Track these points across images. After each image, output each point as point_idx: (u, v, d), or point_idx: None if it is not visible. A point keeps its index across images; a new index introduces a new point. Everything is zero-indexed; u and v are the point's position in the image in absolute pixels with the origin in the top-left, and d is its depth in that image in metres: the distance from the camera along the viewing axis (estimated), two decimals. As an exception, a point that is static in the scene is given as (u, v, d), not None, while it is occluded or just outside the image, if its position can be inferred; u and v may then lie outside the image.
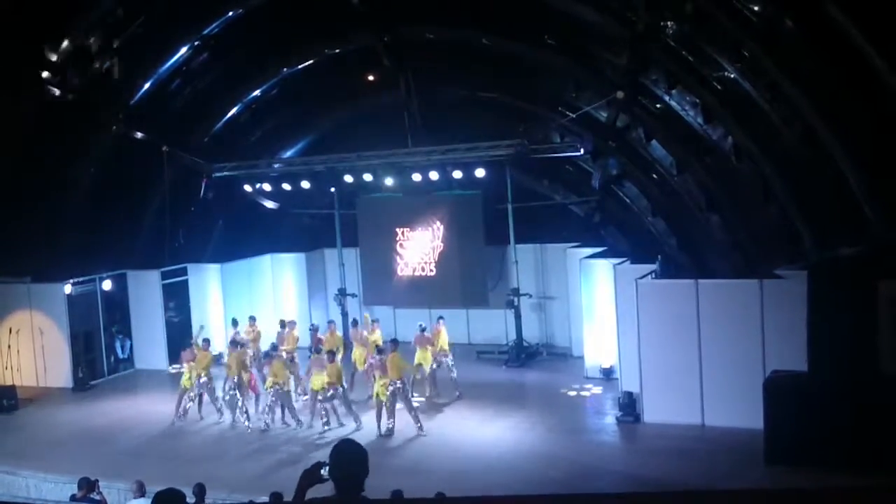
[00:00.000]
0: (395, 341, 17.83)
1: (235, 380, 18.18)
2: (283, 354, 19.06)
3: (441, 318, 20.14)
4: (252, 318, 21.35)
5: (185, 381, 18.66)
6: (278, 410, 17.88)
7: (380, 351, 17.91)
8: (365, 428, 17.25)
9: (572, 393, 19.53)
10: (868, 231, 14.34)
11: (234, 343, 19.11)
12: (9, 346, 22.05)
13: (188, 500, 9.52)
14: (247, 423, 17.88)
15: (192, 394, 18.59)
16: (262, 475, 15.14)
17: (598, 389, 19.50)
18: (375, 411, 17.35)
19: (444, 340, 19.51)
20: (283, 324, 21.20)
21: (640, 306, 16.76)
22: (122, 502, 13.86)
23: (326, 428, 17.21)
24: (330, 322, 21.91)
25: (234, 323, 21.22)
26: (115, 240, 23.47)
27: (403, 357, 17.60)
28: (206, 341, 19.45)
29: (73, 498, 12.93)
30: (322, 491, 4.92)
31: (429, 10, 20.15)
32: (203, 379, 18.48)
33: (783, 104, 15.13)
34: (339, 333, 21.26)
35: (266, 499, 11.73)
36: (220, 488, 13.95)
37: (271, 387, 17.66)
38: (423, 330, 19.79)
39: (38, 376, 22.26)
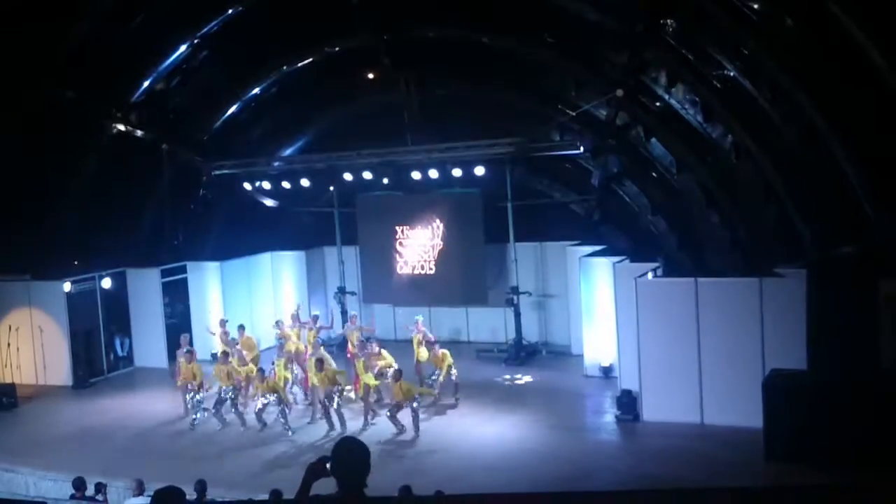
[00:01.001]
0: (399, 371, 17.42)
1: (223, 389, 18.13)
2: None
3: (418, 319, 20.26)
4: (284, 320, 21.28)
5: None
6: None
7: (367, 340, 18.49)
8: (365, 427, 17.30)
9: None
10: (868, 229, 14.36)
11: (226, 354, 18.71)
12: (8, 344, 22.04)
13: (189, 496, 9.56)
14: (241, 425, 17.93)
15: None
16: (262, 473, 15.14)
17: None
18: (364, 404, 17.62)
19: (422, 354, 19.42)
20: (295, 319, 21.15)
21: (640, 305, 16.76)
22: (121, 500, 13.84)
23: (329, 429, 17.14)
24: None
25: (242, 328, 20.56)
26: (115, 238, 23.49)
27: (410, 382, 17.61)
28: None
29: (73, 497, 12.94)
30: (326, 486, 4.92)
31: (429, 9, 20.15)
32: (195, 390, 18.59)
33: (783, 102, 15.14)
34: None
35: (266, 496, 11.73)
36: (220, 486, 13.93)
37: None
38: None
39: (37, 374, 22.25)
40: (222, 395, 18.05)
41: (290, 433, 17.25)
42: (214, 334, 20.98)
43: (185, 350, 19.24)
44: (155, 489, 5.89)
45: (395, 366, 17.77)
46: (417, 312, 21.27)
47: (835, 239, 15.35)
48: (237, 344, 19.73)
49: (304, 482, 4.91)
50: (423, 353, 19.29)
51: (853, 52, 13.15)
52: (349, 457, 4.87)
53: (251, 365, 18.88)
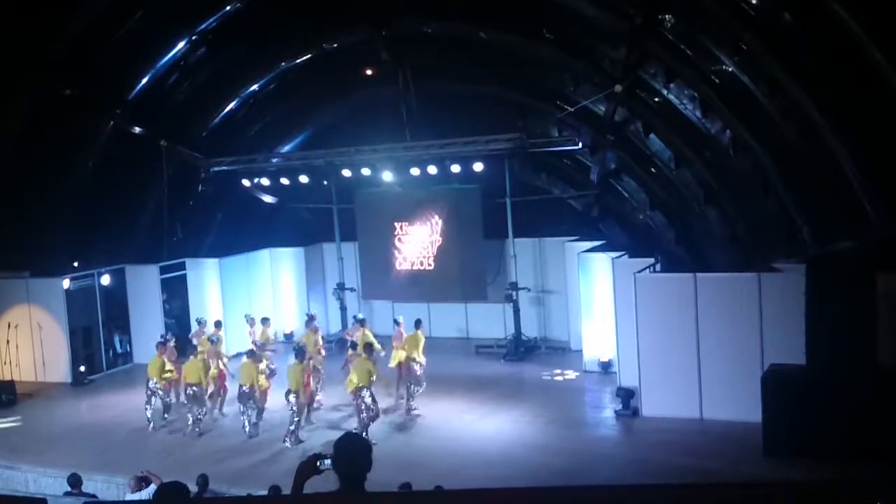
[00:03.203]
0: (369, 346, 17.27)
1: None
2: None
3: (397, 321, 19.23)
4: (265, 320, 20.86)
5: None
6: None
7: (353, 347, 17.74)
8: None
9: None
10: (866, 224, 14.36)
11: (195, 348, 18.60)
12: (7, 341, 22.02)
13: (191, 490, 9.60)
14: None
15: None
16: (261, 469, 15.15)
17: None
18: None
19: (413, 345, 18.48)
20: (262, 320, 20.78)
21: (639, 300, 16.76)
22: (120, 496, 13.86)
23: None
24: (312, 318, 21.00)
25: (218, 325, 20.44)
26: (114, 234, 23.48)
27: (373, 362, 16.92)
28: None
29: (68, 494, 12.94)
30: (323, 482, 4.92)
31: (427, 4, 20.14)
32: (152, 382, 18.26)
33: (782, 97, 15.14)
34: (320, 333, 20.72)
35: (265, 492, 11.75)
36: (219, 482, 13.94)
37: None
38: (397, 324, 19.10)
39: (36, 371, 22.23)
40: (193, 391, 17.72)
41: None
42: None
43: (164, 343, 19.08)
44: (160, 484, 5.90)
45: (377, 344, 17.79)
46: (418, 312, 20.94)
47: (833, 234, 15.36)
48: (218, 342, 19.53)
49: (296, 482, 4.92)
50: (400, 356, 18.56)
51: (852, 48, 13.14)
52: (351, 453, 4.88)
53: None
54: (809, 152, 15.21)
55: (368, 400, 16.29)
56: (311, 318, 20.20)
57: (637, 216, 20.98)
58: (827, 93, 14.27)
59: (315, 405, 18.05)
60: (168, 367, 18.36)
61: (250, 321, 20.98)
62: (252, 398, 17.14)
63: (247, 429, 17.06)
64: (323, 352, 19.62)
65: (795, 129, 15.23)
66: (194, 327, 20.95)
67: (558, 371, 20.64)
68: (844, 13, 12.81)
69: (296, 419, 16.53)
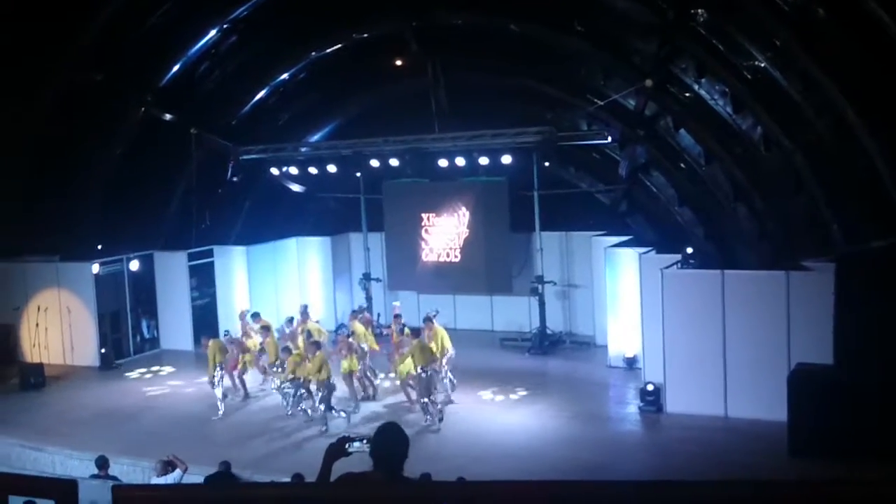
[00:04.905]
0: (416, 330, 17.46)
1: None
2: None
3: (431, 315, 18.99)
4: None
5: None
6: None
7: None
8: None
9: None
10: (898, 224, 14.21)
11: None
12: (37, 325, 22.29)
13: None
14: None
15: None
16: (285, 457, 15.25)
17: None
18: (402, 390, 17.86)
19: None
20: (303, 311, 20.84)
21: (665, 296, 16.67)
22: (146, 480, 13.98)
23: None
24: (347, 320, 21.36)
25: (256, 316, 20.46)
26: (143, 220, 23.65)
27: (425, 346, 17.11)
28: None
29: (95, 476, 13.09)
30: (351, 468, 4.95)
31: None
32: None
33: (815, 94, 14.98)
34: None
35: (287, 478, 11.82)
36: (243, 468, 14.04)
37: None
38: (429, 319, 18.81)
39: (65, 355, 22.50)
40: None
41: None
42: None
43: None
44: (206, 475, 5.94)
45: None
46: (443, 303, 20.80)
47: (864, 233, 15.20)
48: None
49: (325, 463, 4.99)
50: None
51: (886, 44, 12.98)
52: (390, 441, 4.97)
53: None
54: (841, 150, 15.05)
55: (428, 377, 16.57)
56: (360, 310, 21.00)
57: (665, 212, 20.85)
58: (861, 89, 14.11)
59: (365, 394, 18.47)
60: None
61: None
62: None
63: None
64: (375, 346, 19.40)
65: (828, 126, 15.08)
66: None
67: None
68: (879, 9, 12.65)
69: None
